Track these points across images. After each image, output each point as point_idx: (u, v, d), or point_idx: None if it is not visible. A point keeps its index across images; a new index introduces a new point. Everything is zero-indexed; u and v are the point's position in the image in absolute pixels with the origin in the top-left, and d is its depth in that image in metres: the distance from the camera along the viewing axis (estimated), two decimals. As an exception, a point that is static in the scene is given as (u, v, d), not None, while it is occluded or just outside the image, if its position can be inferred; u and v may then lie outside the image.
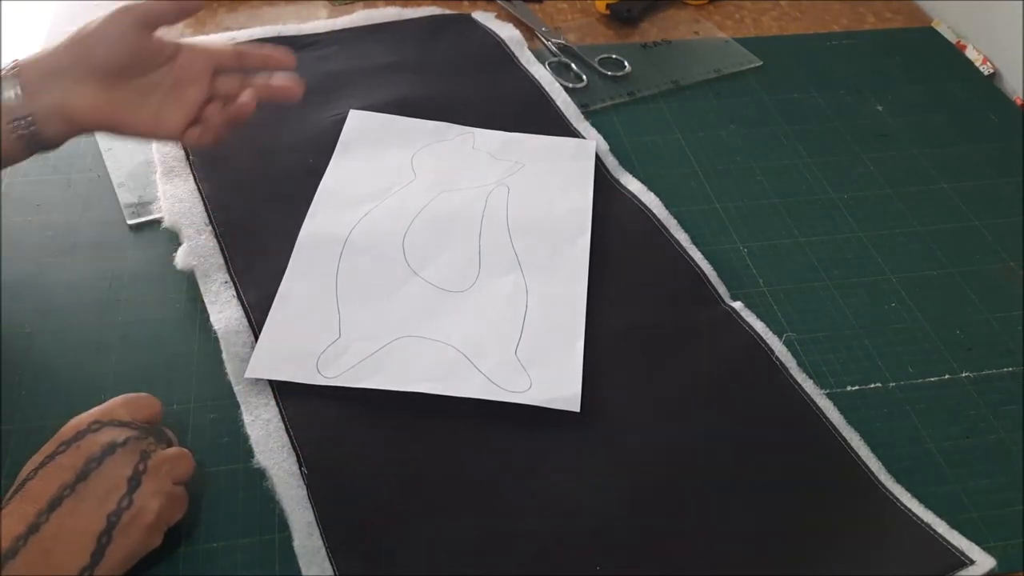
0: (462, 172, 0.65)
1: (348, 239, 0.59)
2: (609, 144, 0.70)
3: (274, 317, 0.54)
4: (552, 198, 0.64)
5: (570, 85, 0.77)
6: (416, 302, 0.56)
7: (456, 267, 0.58)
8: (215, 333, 0.54)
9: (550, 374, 0.52)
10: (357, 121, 0.68)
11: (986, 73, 0.84)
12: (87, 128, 0.50)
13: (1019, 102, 0.81)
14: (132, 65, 0.49)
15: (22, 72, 0.47)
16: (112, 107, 0.49)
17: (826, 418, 0.52)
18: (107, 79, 0.49)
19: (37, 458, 0.41)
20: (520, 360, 0.53)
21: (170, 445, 0.45)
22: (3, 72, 0.47)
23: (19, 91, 0.46)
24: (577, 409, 0.51)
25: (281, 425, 0.50)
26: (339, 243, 0.58)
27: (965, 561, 0.46)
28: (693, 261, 0.61)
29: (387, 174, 0.64)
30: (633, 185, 0.67)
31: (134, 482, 0.41)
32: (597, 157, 0.68)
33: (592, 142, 0.69)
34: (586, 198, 0.64)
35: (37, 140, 0.48)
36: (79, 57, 0.48)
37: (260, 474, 0.48)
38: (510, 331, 0.55)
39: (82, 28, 0.48)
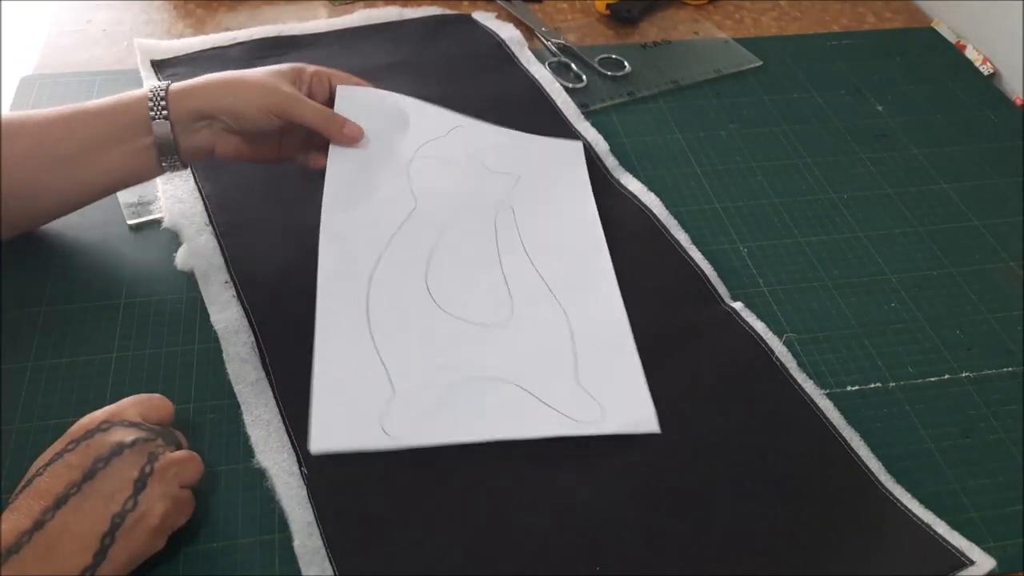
0: (462, 192, 0.62)
1: (370, 292, 0.55)
2: (609, 144, 0.70)
3: (320, 384, 0.50)
4: (559, 216, 0.62)
5: (570, 85, 0.77)
6: (459, 341, 0.53)
7: (487, 300, 0.56)
8: (215, 333, 0.54)
9: (619, 398, 0.51)
10: (347, 99, 0.62)
11: (986, 73, 0.84)
12: (225, 159, 0.59)
13: (1019, 102, 0.81)
14: (267, 132, 0.58)
15: (172, 107, 0.54)
16: (249, 151, 0.58)
17: (826, 418, 0.52)
18: (247, 135, 0.57)
19: (47, 455, 0.41)
20: (584, 387, 0.52)
21: (179, 447, 0.45)
22: (153, 96, 0.54)
23: (171, 129, 0.54)
24: (657, 430, 0.50)
25: (281, 425, 0.50)
26: (362, 295, 0.54)
27: (965, 561, 0.46)
28: (693, 261, 0.61)
29: (387, 194, 0.60)
30: (633, 185, 0.67)
31: (140, 484, 0.41)
32: (597, 158, 0.68)
33: (579, 144, 0.68)
34: (590, 209, 0.63)
35: (175, 168, 0.57)
36: (231, 120, 0.55)
37: (260, 474, 0.48)
38: (564, 359, 0.53)
39: (232, 100, 0.55)
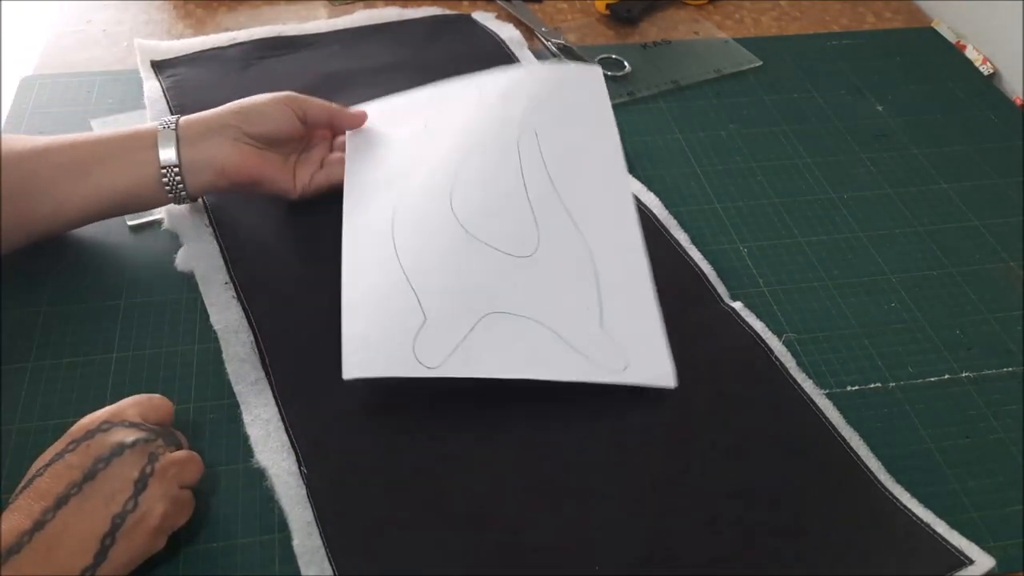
0: (481, 125, 0.62)
1: (395, 219, 0.55)
2: (609, 144, 0.70)
3: (349, 311, 0.50)
4: (582, 143, 0.61)
5: (570, 85, 0.76)
6: (487, 270, 0.53)
7: (514, 228, 0.56)
8: (215, 333, 0.54)
9: (639, 350, 0.52)
10: (357, 136, 0.64)
11: (986, 73, 0.84)
12: (232, 181, 0.57)
13: (1019, 102, 0.81)
14: (284, 139, 0.58)
15: (181, 126, 0.55)
16: (261, 166, 0.57)
17: (826, 418, 0.52)
18: (260, 144, 0.57)
19: (47, 455, 0.41)
20: (608, 333, 0.52)
21: (179, 447, 0.45)
22: (164, 122, 0.55)
23: (175, 143, 0.54)
24: (673, 384, 0.51)
25: (281, 425, 0.50)
26: (388, 224, 0.55)
27: (964, 561, 0.46)
28: (693, 261, 0.61)
29: (408, 148, 0.61)
30: (633, 185, 0.67)
31: (140, 485, 0.41)
32: None
33: (597, 68, 0.67)
34: (613, 140, 0.62)
35: (179, 187, 0.55)
36: (241, 121, 0.55)
37: (260, 474, 0.48)
38: (590, 302, 0.53)
39: (248, 100, 0.57)
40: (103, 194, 0.54)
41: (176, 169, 0.54)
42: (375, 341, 0.49)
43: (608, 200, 0.59)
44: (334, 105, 0.61)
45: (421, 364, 0.48)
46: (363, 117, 0.62)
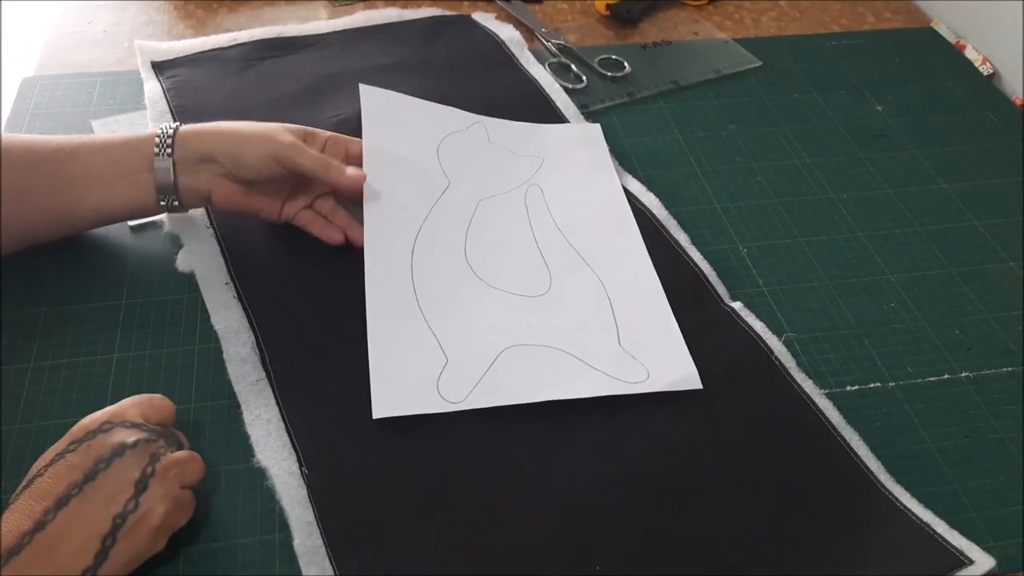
0: (490, 172, 0.65)
1: (413, 266, 0.57)
2: (609, 144, 0.70)
3: (376, 357, 0.52)
4: (585, 192, 0.65)
5: (570, 86, 0.77)
6: (504, 311, 0.56)
7: (526, 273, 0.58)
8: (215, 333, 0.54)
9: (661, 359, 0.53)
10: (371, 98, 0.66)
11: (986, 73, 0.84)
12: (219, 209, 0.58)
13: (1019, 102, 0.81)
14: (269, 181, 0.57)
15: (177, 147, 0.55)
16: (248, 201, 0.57)
17: (825, 418, 0.52)
18: (248, 184, 0.56)
19: (48, 455, 0.41)
20: (627, 351, 0.54)
21: (180, 447, 0.45)
22: (161, 135, 0.55)
23: (172, 167, 0.55)
24: (699, 386, 0.52)
25: (281, 425, 0.50)
26: (407, 270, 0.56)
27: (964, 561, 0.46)
28: (693, 261, 0.61)
29: (421, 172, 0.63)
30: (633, 185, 0.67)
31: (141, 485, 0.41)
32: None
33: (596, 127, 0.70)
34: (615, 185, 0.65)
35: (174, 207, 0.56)
36: (230, 165, 0.55)
37: (260, 474, 0.48)
38: (606, 325, 0.55)
39: (239, 143, 0.55)
40: (102, 210, 0.56)
41: (173, 196, 0.55)
42: (401, 383, 0.51)
43: (615, 238, 0.61)
44: (333, 164, 0.57)
45: (445, 400, 0.50)
46: (360, 181, 0.58)
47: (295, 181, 0.58)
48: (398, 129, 0.65)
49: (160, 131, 0.55)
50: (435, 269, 0.57)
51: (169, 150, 0.54)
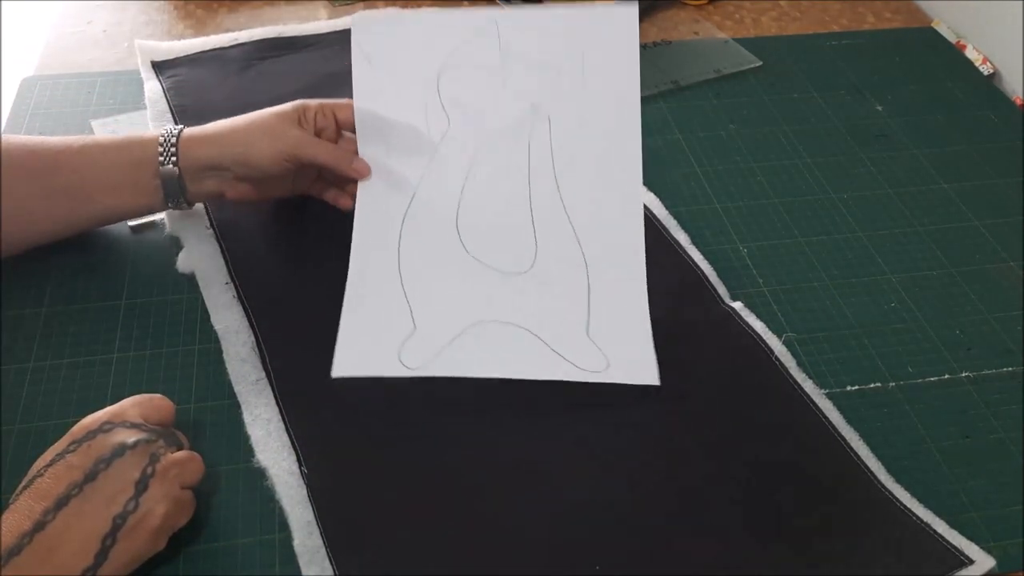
0: (496, 102, 0.60)
1: (403, 230, 0.57)
2: (609, 144, 0.70)
3: (347, 317, 0.53)
4: (597, 123, 0.60)
5: (570, 85, 0.76)
6: (481, 288, 0.55)
7: (512, 244, 0.57)
8: (215, 334, 0.54)
9: (624, 351, 0.53)
10: (362, 35, 0.60)
11: (986, 73, 0.84)
12: (231, 202, 0.59)
13: (1019, 102, 0.81)
14: (278, 176, 0.57)
15: (182, 156, 0.55)
16: (257, 194, 0.58)
17: (825, 418, 0.52)
18: (257, 181, 0.57)
19: (48, 455, 0.41)
20: (593, 340, 0.53)
21: (181, 447, 0.45)
22: (164, 141, 0.55)
23: (178, 175, 0.55)
24: (657, 382, 0.52)
25: (281, 425, 0.50)
26: (395, 235, 0.57)
27: (964, 561, 0.46)
28: (693, 261, 0.61)
29: (419, 117, 0.60)
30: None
31: (141, 485, 0.41)
32: None
33: (633, 8, 0.63)
34: (632, 115, 0.60)
35: (180, 207, 0.58)
36: (239, 169, 0.56)
37: (260, 473, 0.48)
38: (578, 311, 0.55)
39: (248, 144, 0.55)
40: (106, 215, 0.57)
41: (181, 199, 0.57)
42: (364, 346, 0.52)
43: (615, 196, 0.58)
44: (340, 157, 0.57)
45: (404, 366, 0.51)
46: (366, 173, 0.58)
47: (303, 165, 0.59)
48: (393, 64, 0.60)
49: (163, 137, 0.55)
50: (423, 237, 0.57)
51: (174, 158, 0.54)
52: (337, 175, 0.58)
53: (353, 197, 0.58)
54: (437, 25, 0.61)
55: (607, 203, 0.58)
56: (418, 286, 0.55)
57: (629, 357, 0.53)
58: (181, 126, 0.56)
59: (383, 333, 0.53)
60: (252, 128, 0.55)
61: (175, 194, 0.56)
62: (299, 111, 0.57)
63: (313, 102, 0.58)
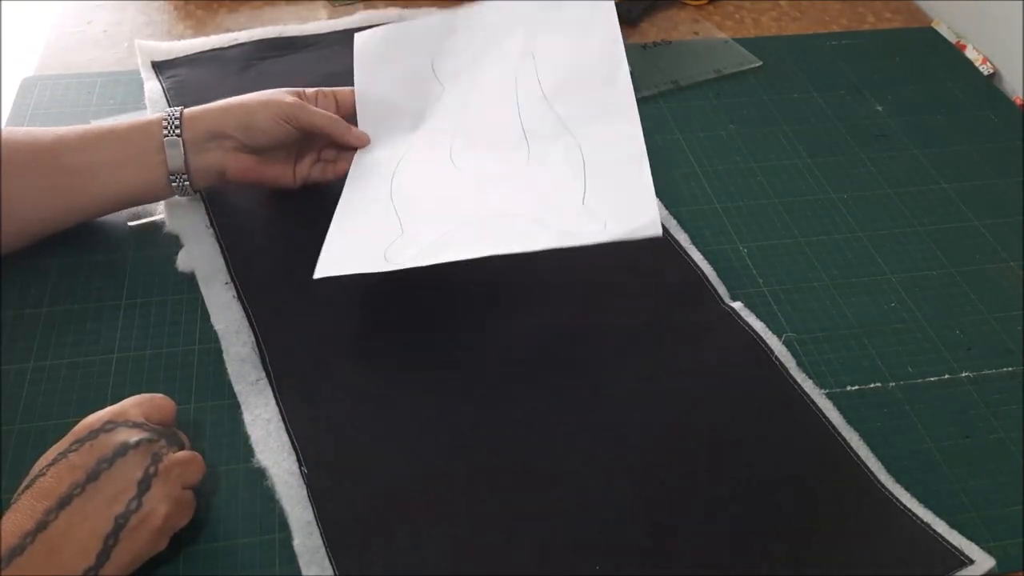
0: (484, 58, 0.64)
1: (397, 169, 0.59)
2: (609, 144, 0.70)
3: (336, 226, 0.54)
4: (579, 44, 0.62)
5: (570, 85, 0.76)
6: (472, 192, 0.56)
7: (505, 155, 0.58)
8: (215, 333, 0.54)
9: (623, 208, 0.51)
10: (364, 41, 0.68)
11: (986, 73, 0.84)
12: (234, 182, 0.59)
13: (1019, 102, 0.81)
14: (281, 146, 0.59)
15: (185, 128, 0.56)
16: (259, 169, 0.59)
17: (825, 418, 0.52)
18: (259, 151, 0.58)
19: (50, 454, 0.41)
20: (590, 208, 0.52)
21: (182, 447, 0.45)
22: (168, 118, 0.56)
23: (182, 147, 0.56)
24: (659, 233, 0.48)
25: (281, 424, 0.50)
26: (389, 169, 0.59)
27: (964, 561, 0.46)
28: (692, 261, 0.61)
29: (416, 93, 0.64)
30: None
31: (143, 485, 0.41)
32: None
33: (609, 3, 0.64)
34: (616, 42, 0.60)
35: (184, 187, 0.58)
36: (241, 134, 0.57)
37: (260, 474, 0.48)
38: (574, 187, 0.54)
39: (248, 110, 0.57)
40: (110, 196, 0.57)
41: (184, 176, 0.57)
42: (349, 249, 0.53)
43: (606, 98, 0.58)
44: (338, 122, 0.60)
45: (388, 262, 0.51)
46: (366, 140, 0.62)
47: (302, 141, 0.60)
48: (390, 61, 0.66)
49: (166, 115, 0.56)
50: (419, 170, 0.58)
51: (178, 131, 0.55)
52: (335, 142, 0.61)
53: (350, 163, 0.61)
54: (426, 27, 0.67)
55: (597, 99, 0.59)
56: (408, 203, 0.56)
57: (629, 212, 0.50)
58: (182, 106, 0.57)
59: (370, 237, 0.53)
60: (253, 98, 0.58)
61: (179, 170, 0.56)
62: (297, 91, 0.60)
63: (312, 88, 0.62)
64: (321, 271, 0.51)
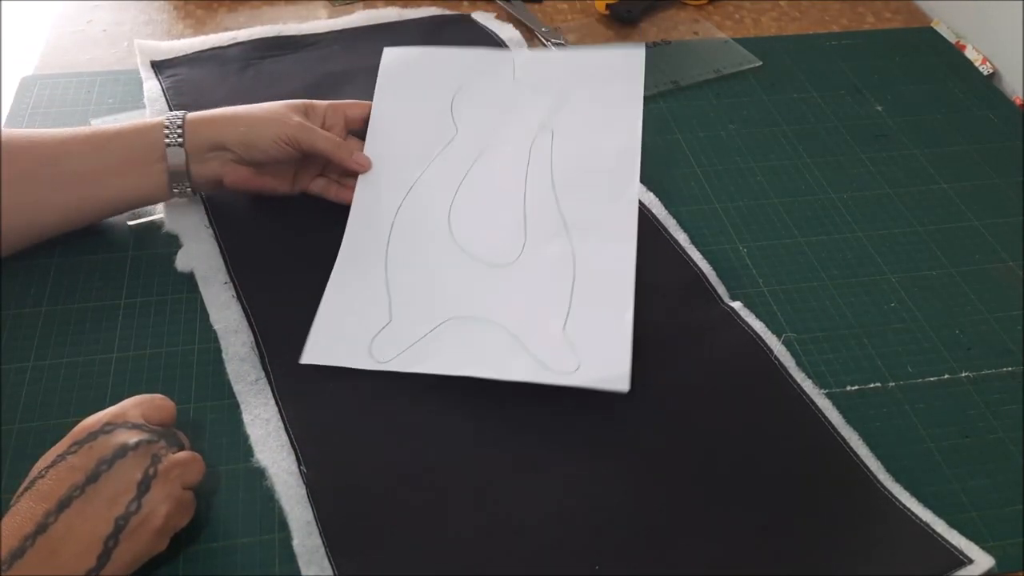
0: (504, 117, 0.64)
1: (396, 220, 0.59)
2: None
3: (326, 304, 0.55)
4: (599, 141, 0.62)
5: (570, 85, 0.76)
6: (464, 280, 0.56)
7: (502, 237, 0.58)
8: (215, 333, 0.54)
9: (598, 353, 0.51)
10: (390, 59, 0.67)
11: (986, 73, 0.84)
12: (233, 190, 0.59)
13: (1019, 102, 0.81)
14: (281, 161, 0.59)
15: (188, 136, 0.56)
16: (257, 181, 0.59)
17: (825, 418, 0.52)
18: (259, 166, 0.58)
19: (49, 456, 0.41)
20: (568, 338, 0.52)
21: (182, 448, 0.45)
22: (170, 124, 0.56)
23: (184, 156, 0.56)
24: (626, 389, 0.49)
25: (281, 424, 0.50)
26: (387, 223, 0.59)
27: (964, 560, 0.46)
28: (692, 261, 0.61)
29: (428, 127, 0.63)
30: (633, 185, 0.66)
31: (143, 486, 0.41)
32: None
33: (640, 50, 0.65)
34: (634, 136, 0.61)
35: (185, 193, 0.58)
36: (242, 150, 0.57)
37: (260, 473, 0.48)
38: (558, 306, 0.54)
39: (251, 127, 0.57)
40: (112, 201, 0.57)
41: (187, 183, 0.57)
42: (337, 335, 0.53)
43: (611, 212, 0.59)
44: (343, 145, 0.59)
45: (372, 359, 0.52)
46: (367, 166, 0.61)
47: (305, 157, 0.60)
48: (413, 85, 0.65)
49: (168, 120, 0.56)
50: (415, 226, 0.58)
51: (180, 138, 0.55)
52: (337, 167, 0.60)
53: (353, 191, 0.60)
54: (457, 57, 0.67)
55: (601, 209, 0.59)
56: (402, 274, 0.56)
57: (603, 360, 0.51)
58: (184, 111, 0.57)
59: (358, 324, 0.54)
60: (256, 111, 0.58)
61: (181, 177, 0.56)
62: (307, 105, 0.60)
63: (323, 102, 0.61)
64: (308, 358, 0.52)
